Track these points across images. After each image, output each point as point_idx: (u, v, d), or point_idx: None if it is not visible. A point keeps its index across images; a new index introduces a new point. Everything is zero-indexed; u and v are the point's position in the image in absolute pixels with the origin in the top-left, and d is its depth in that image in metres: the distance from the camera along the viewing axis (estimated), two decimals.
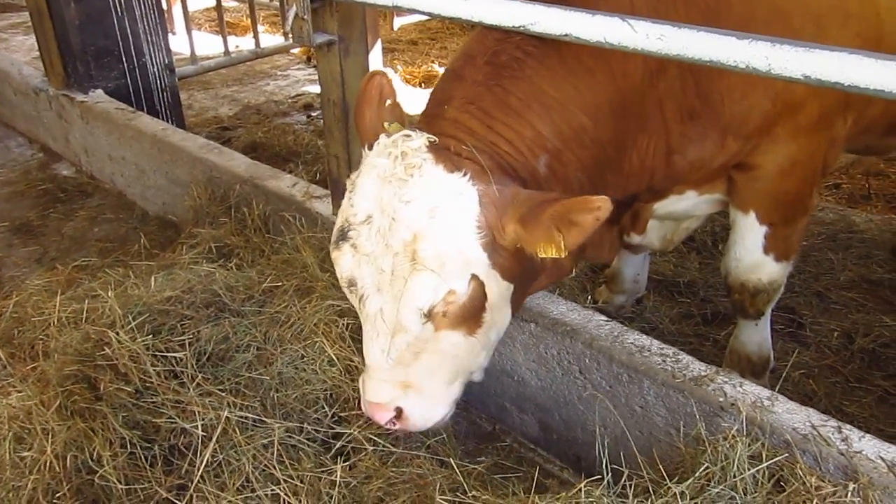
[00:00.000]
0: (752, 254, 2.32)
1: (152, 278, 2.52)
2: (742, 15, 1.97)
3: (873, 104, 2.11)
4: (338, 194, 2.76)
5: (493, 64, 1.88)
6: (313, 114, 5.47)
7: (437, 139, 1.78)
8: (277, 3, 7.32)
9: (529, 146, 1.84)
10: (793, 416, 1.83)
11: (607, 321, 2.22)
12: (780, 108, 2.06)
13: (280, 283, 2.46)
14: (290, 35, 2.46)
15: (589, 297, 3.03)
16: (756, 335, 2.53)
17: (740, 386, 1.94)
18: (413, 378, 1.83)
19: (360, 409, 2.00)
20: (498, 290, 1.80)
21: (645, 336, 2.15)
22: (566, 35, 1.73)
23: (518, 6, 1.79)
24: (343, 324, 2.34)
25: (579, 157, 1.92)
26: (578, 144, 1.90)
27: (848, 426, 1.79)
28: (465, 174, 1.71)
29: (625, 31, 1.63)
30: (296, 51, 6.79)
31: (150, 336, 2.18)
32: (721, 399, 1.90)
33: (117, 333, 2.16)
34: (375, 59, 5.89)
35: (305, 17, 2.36)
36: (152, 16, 4.53)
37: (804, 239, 3.51)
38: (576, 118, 1.89)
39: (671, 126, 2.06)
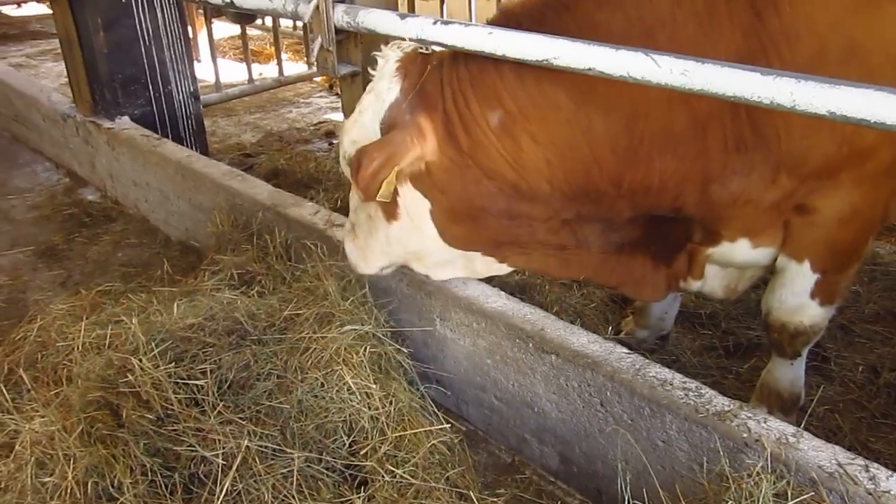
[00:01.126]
0: (798, 297, 2.26)
1: (175, 305, 2.53)
2: (812, 49, 1.92)
3: None
4: None
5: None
6: (335, 141, 5.52)
7: (419, 52, 2.13)
8: (301, 32, 7.42)
9: (483, 97, 2.05)
10: (818, 453, 1.80)
11: (629, 354, 2.21)
12: (847, 153, 1.99)
13: (301, 311, 2.47)
14: (315, 65, 2.50)
15: (610, 328, 3.01)
16: (790, 373, 2.49)
17: (765, 422, 1.91)
18: (357, 231, 2.44)
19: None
20: (408, 193, 2.19)
21: (667, 369, 2.13)
22: (590, 69, 1.74)
23: (542, 40, 1.81)
24: (363, 351, 2.35)
25: (546, 131, 2.05)
26: (543, 118, 2.04)
27: (875, 465, 1.76)
28: (395, 83, 2.11)
29: (648, 66, 1.64)
30: (318, 78, 6.86)
31: (173, 363, 2.20)
32: (745, 435, 1.88)
33: (140, 360, 2.17)
34: None
35: (330, 48, 2.40)
36: (179, 45, 4.62)
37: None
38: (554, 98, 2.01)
39: (713, 154, 2.02)
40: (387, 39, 2.51)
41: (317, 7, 2.33)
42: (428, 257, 2.38)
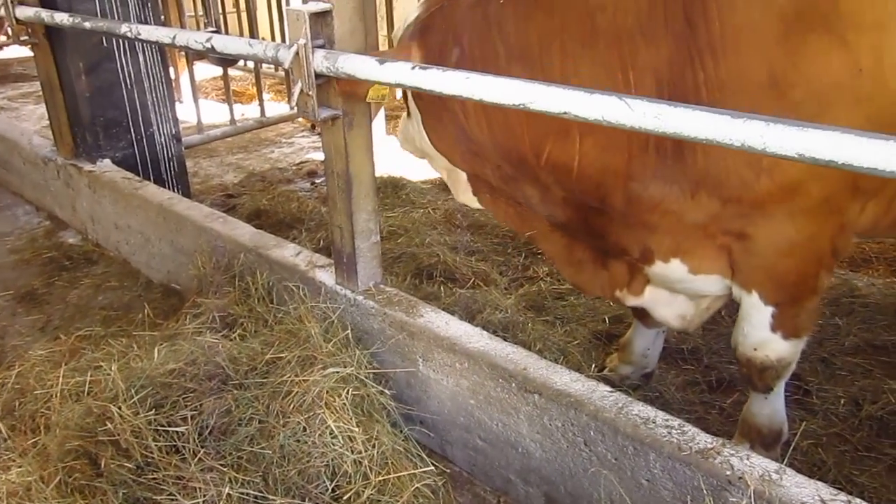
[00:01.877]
0: (758, 331, 2.28)
1: (156, 350, 2.52)
2: (735, 69, 1.97)
3: None
4: (341, 264, 2.79)
5: None
6: (317, 181, 5.55)
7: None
8: (283, 73, 7.48)
9: (453, 33, 2.31)
10: (801, 489, 1.81)
11: (612, 392, 2.21)
12: (768, 185, 2.02)
13: (283, 354, 2.46)
14: (296, 109, 2.52)
15: (594, 366, 3.02)
16: (766, 407, 2.50)
17: (747, 459, 1.91)
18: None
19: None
20: (411, 97, 2.52)
21: (650, 407, 2.14)
22: (565, 113, 1.77)
23: (518, 84, 1.84)
24: (345, 394, 2.34)
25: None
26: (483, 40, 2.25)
27: (858, 500, 1.76)
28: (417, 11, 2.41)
29: (622, 110, 1.67)
30: (300, 118, 6.92)
31: (153, 410, 2.18)
32: (728, 472, 1.88)
33: (119, 408, 2.15)
34: (379, 127, 6.01)
35: (311, 92, 2.42)
36: (161, 87, 4.65)
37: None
38: (501, 32, 2.21)
39: (634, 152, 2.08)
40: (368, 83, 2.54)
41: (297, 53, 2.36)
42: (431, 160, 2.69)
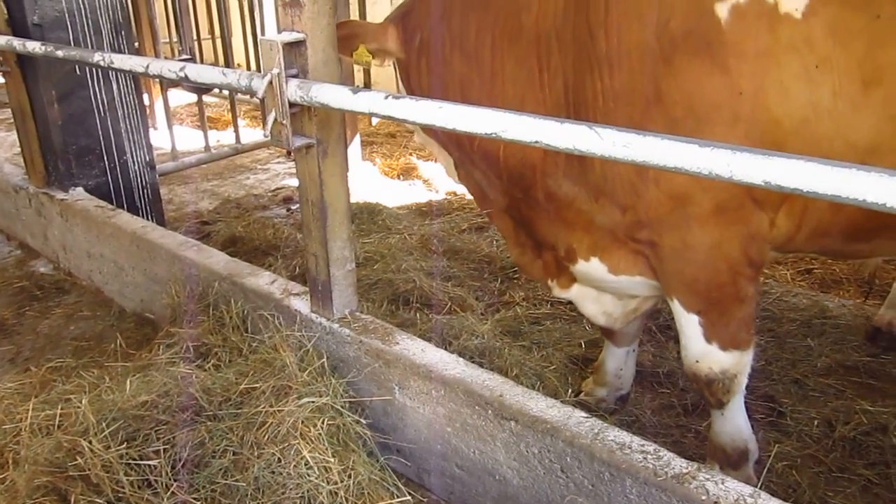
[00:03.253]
0: (694, 342, 2.34)
1: (128, 381, 2.49)
2: (627, 84, 2.10)
3: (815, 207, 2.12)
4: (316, 292, 2.78)
5: None
6: (293, 207, 5.54)
7: None
8: (258, 99, 7.47)
9: (419, 22, 2.50)
10: None
11: (587, 418, 2.22)
12: (657, 194, 2.12)
13: (257, 384, 2.44)
14: (270, 138, 2.52)
15: (570, 390, 3.02)
16: (726, 425, 2.52)
17: (722, 483, 1.92)
18: None
19: None
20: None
21: (625, 433, 2.14)
22: (537, 142, 1.79)
23: (490, 114, 1.86)
24: (321, 424, 2.32)
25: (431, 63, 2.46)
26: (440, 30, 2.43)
27: None
28: None
29: (592, 139, 1.69)
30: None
31: (124, 444, 2.14)
32: (703, 497, 1.88)
33: (90, 442, 2.12)
34: (354, 153, 6.02)
35: (284, 121, 2.42)
36: (134, 115, 4.62)
37: (780, 325, 3.57)
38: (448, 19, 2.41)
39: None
40: (341, 112, 2.55)
41: (270, 82, 2.36)
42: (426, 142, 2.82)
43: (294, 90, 2.33)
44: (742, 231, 2.15)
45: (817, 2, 1.98)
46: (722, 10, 2.01)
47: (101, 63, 3.24)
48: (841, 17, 1.97)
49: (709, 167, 1.54)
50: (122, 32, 4.47)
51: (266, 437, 2.25)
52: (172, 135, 5.48)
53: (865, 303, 3.83)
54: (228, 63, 6.23)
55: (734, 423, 2.51)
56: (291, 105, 2.39)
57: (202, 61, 7.22)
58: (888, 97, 1.98)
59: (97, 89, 4.44)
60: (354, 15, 6.08)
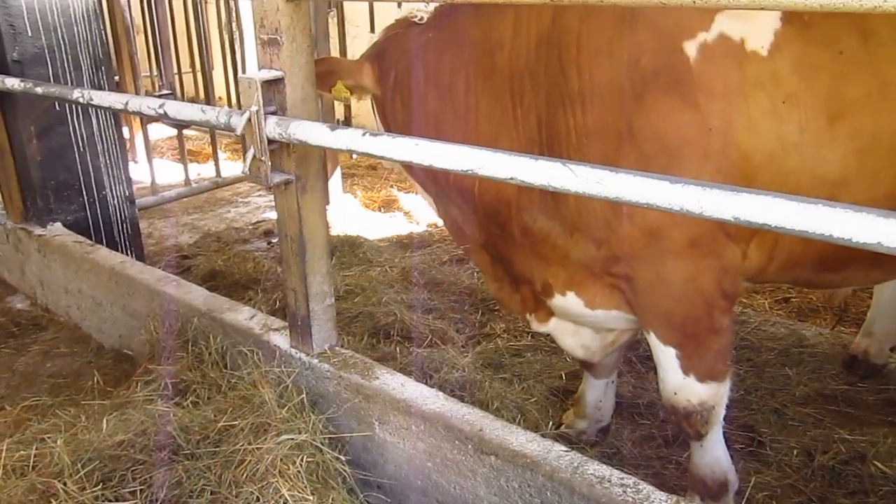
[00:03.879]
0: (671, 375, 2.36)
1: (104, 420, 2.46)
2: (599, 120, 2.14)
3: (785, 239, 2.16)
4: (296, 327, 2.77)
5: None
6: (273, 240, 5.53)
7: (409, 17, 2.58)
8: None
9: (394, 60, 2.55)
10: None
11: (567, 451, 2.21)
12: (631, 230, 2.16)
13: (236, 422, 2.42)
14: (249, 174, 2.53)
15: (551, 423, 3.02)
16: (705, 456, 2.53)
17: None
18: None
19: None
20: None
21: (605, 466, 2.14)
22: (512, 178, 1.81)
23: (466, 151, 1.88)
24: (300, 461, 2.30)
25: (407, 99, 2.50)
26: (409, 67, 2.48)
27: None
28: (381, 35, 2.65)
29: (566, 176, 1.72)
30: None
31: (100, 485, 2.12)
32: None
33: (65, 483, 2.09)
34: (335, 185, 6.04)
35: (263, 158, 2.44)
36: (114, 150, 4.62)
37: (758, 354, 3.60)
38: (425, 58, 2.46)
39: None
40: (319, 149, 2.57)
41: (249, 119, 2.38)
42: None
43: (273, 127, 2.35)
44: (715, 264, 2.18)
45: (782, 39, 2.03)
46: (690, 49, 2.06)
47: (81, 100, 3.25)
48: (805, 54, 2.03)
49: (680, 203, 1.56)
50: (103, 68, 4.49)
51: (244, 475, 2.23)
52: (152, 168, 5.47)
53: (835, 330, 3.87)
54: (209, 97, 6.25)
55: (713, 454, 2.52)
56: (270, 142, 2.41)
57: (183, 95, 7.24)
58: (853, 131, 2.03)
59: (77, 124, 4.44)
60: (335, 50, 6.14)
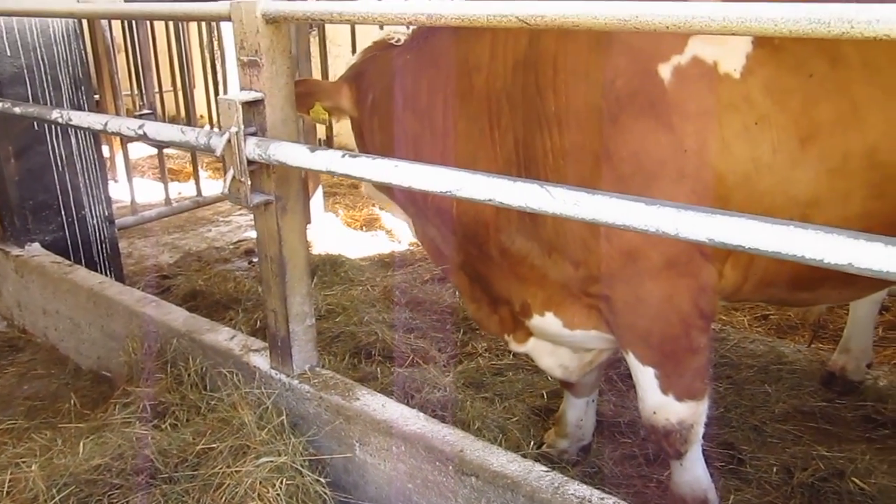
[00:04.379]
0: (650, 394, 2.37)
1: (81, 444, 2.43)
2: (576, 142, 2.17)
3: (759, 259, 2.18)
4: (276, 348, 2.76)
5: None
6: (255, 260, 5.51)
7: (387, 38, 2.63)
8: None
9: (371, 82, 2.58)
10: None
11: (547, 472, 2.21)
12: (609, 250, 2.18)
13: (215, 445, 2.40)
14: (229, 195, 2.52)
15: (532, 442, 3.02)
16: (685, 475, 2.53)
17: None
18: None
19: None
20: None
21: (585, 486, 2.14)
22: (490, 200, 1.83)
23: (445, 173, 1.89)
24: (279, 484, 2.28)
25: (385, 120, 2.53)
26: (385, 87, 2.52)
27: None
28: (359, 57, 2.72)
29: (544, 197, 1.73)
30: None
31: None
32: None
33: None
34: (317, 204, 6.04)
35: (243, 179, 2.44)
36: (93, 169, 4.59)
37: (738, 372, 3.62)
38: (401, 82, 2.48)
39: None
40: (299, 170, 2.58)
41: (229, 140, 2.38)
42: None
43: (252, 148, 2.35)
44: (692, 284, 2.20)
45: (754, 62, 2.07)
46: (665, 72, 2.09)
47: (60, 120, 3.23)
48: (777, 77, 2.07)
49: (655, 225, 1.58)
50: (83, 87, 4.47)
51: (223, 498, 2.21)
52: (132, 188, 5.45)
53: (811, 346, 3.91)
54: (190, 116, 6.25)
55: (693, 472, 2.53)
56: (250, 162, 2.41)
57: (164, 114, 7.22)
58: (824, 152, 2.07)
59: (56, 144, 4.41)
60: (317, 70, 6.17)
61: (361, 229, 6.14)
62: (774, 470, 2.94)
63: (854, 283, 2.26)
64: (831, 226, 1.55)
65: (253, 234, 6.13)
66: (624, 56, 2.12)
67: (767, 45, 2.08)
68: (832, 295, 2.46)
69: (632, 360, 2.35)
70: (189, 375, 3.01)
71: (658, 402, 2.36)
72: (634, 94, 2.10)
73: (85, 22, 5.80)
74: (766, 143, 2.07)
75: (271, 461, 2.31)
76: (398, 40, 2.52)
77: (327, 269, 5.00)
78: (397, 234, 5.93)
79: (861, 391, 3.46)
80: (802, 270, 2.12)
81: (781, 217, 2.04)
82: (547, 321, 2.47)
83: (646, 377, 2.34)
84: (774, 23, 1.42)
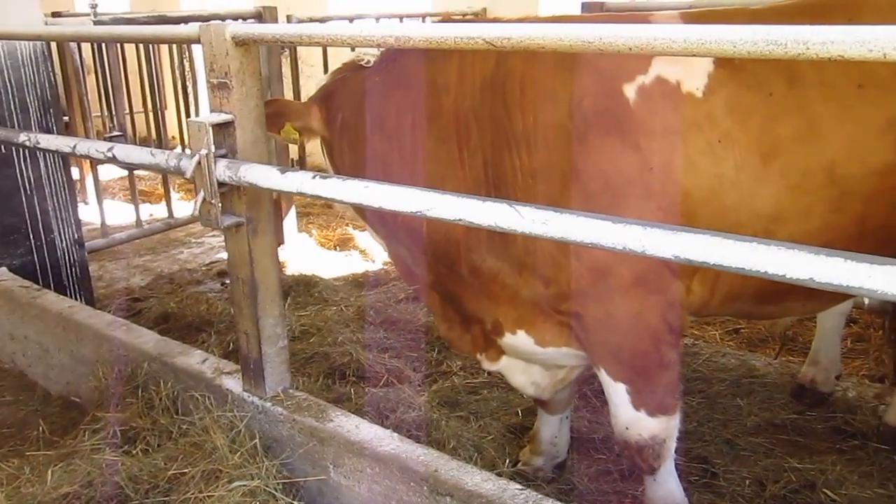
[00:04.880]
0: (623, 410, 2.38)
1: (49, 472, 2.39)
2: (544, 161, 2.20)
3: (726, 274, 2.19)
4: (248, 370, 2.74)
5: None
6: (227, 281, 5.46)
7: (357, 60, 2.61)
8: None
9: (341, 103, 2.59)
10: None
11: (522, 489, 2.22)
12: (579, 268, 2.20)
13: (187, 469, 2.37)
14: (200, 217, 2.51)
15: (507, 460, 3.02)
16: (659, 489, 2.55)
17: None
18: None
19: None
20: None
21: (561, 503, 2.15)
22: (460, 219, 1.84)
23: (415, 193, 1.91)
24: None
25: (355, 140, 2.53)
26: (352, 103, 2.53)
27: None
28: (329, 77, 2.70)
29: (513, 217, 1.75)
30: None
31: None
32: None
33: None
34: (290, 225, 6.02)
35: (213, 201, 2.43)
36: (63, 192, 4.55)
37: (710, 386, 3.66)
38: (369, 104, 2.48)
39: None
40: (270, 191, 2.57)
41: (199, 163, 2.38)
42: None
43: (223, 170, 2.35)
44: (661, 300, 2.23)
45: (716, 82, 2.12)
46: (630, 91, 2.13)
47: (27, 143, 3.21)
48: (738, 96, 2.12)
49: (623, 242, 1.60)
50: (51, 110, 4.43)
51: None
52: (102, 210, 5.38)
53: (779, 358, 3.96)
54: (161, 137, 6.21)
55: (667, 487, 2.54)
56: (220, 184, 2.40)
57: (135, 135, 7.17)
58: (785, 168, 2.12)
59: (24, 167, 4.36)
60: (289, 90, 6.17)
61: (335, 249, 6.12)
62: (747, 483, 2.96)
63: (818, 295, 2.31)
64: (794, 240, 1.59)
65: (226, 255, 6.08)
66: (590, 76, 2.16)
67: (728, 65, 2.12)
68: (797, 307, 2.51)
69: (604, 376, 2.37)
70: (160, 400, 2.98)
71: (630, 418, 2.38)
72: (601, 113, 2.14)
73: (54, 43, 5.76)
74: (729, 161, 2.11)
75: (244, 485, 2.29)
76: (368, 62, 2.54)
77: (301, 290, 4.98)
78: (371, 254, 5.92)
79: (831, 403, 3.51)
80: (767, 284, 2.15)
81: (746, 232, 2.10)
82: (519, 339, 2.48)
83: (618, 393, 2.36)
84: (733, 44, 1.45)
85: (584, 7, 4.41)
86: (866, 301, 3.70)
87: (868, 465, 3.06)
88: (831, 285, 1.37)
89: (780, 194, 2.13)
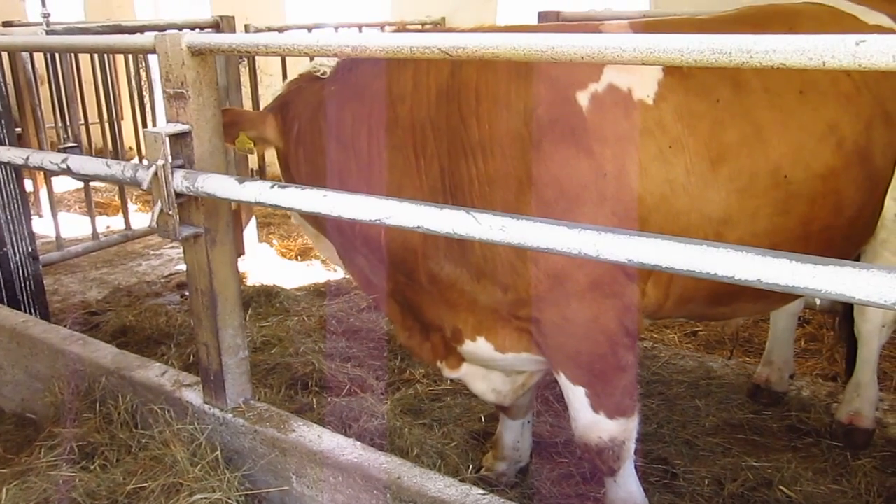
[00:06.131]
0: (582, 413, 2.42)
1: (3, 491, 2.34)
2: (500, 170, 2.23)
3: (678, 277, 2.25)
4: (209, 382, 2.71)
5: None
6: (187, 293, 5.40)
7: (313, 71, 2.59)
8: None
9: (297, 113, 2.56)
10: None
11: (485, 494, 2.23)
12: (536, 273, 2.24)
13: (146, 484, 2.34)
14: (157, 228, 2.49)
15: (471, 466, 3.03)
16: (620, 491, 2.58)
17: None
18: None
19: None
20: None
21: None
22: (419, 227, 1.86)
23: (373, 202, 1.92)
24: None
25: (312, 150, 2.53)
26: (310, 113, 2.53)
27: None
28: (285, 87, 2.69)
29: (470, 223, 1.77)
30: None
31: None
32: None
33: None
34: (250, 235, 5.98)
35: (171, 212, 2.41)
36: (15, 204, 4.45)
37: (669, 388, 3.72)
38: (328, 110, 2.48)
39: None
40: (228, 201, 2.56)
41: (156, 174, 2.36)
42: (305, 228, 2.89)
43: (180, 181, 2.34)
44: (617, 304, 2.27)
45: (665, 89, 2.18)
46: (583, 99, 2.17)
47: None
48: (686, 102, 2.18)
49: (578, 247, 1.64)
50: (2, 121, 4.35)
51: None
52: (57, 223, 5.29)
53: (732, 359, 4.05)
54: (118, 148, 6.12)
55: (627, 488, 2.58)
56: (178, 195, 2.39)
57: (91, 146, 7.06)
58: (733, 173, 2.18)
59: None
60: (248, 99, 6.13)
61: (296, 259, 6.09)
62: (706, 482, 3.02)
63: (767, 296, 2.37)
64: (743, 242, 1.64)
65: (185, 266, 6.01)
66: (543, 85, 2.20)
67: (677, 73, 2.18)
68: (748, 308, 2.57)
69: (563, 380, 2.40)
70: (119, 414, 2.93)
71: (590, 421, 2.41)
72: (555, 121, 2.17)
73: (5, 54, 5.65)
74: (679, 166, 2.16)
75: (205, 498, 2.27)
76: (324, 73, 2.54)
77: (262, 301, 4.95)
78: (332, 264, 5.90)
79: (785, 402, 3.60)
80: (718, 286, 2.22)
81: (697, 235, 2.15)
82: (479, 346, 2.50)
83: (577, 397, 2.39)
84: (681, 53, 1.50)
85: (541, 17, 4.47)
86: (818, 302, 3.80)
87: (822, 462, 3.15)
88: (778, 286, 1.42)
89: (729, 198, 2.19)
